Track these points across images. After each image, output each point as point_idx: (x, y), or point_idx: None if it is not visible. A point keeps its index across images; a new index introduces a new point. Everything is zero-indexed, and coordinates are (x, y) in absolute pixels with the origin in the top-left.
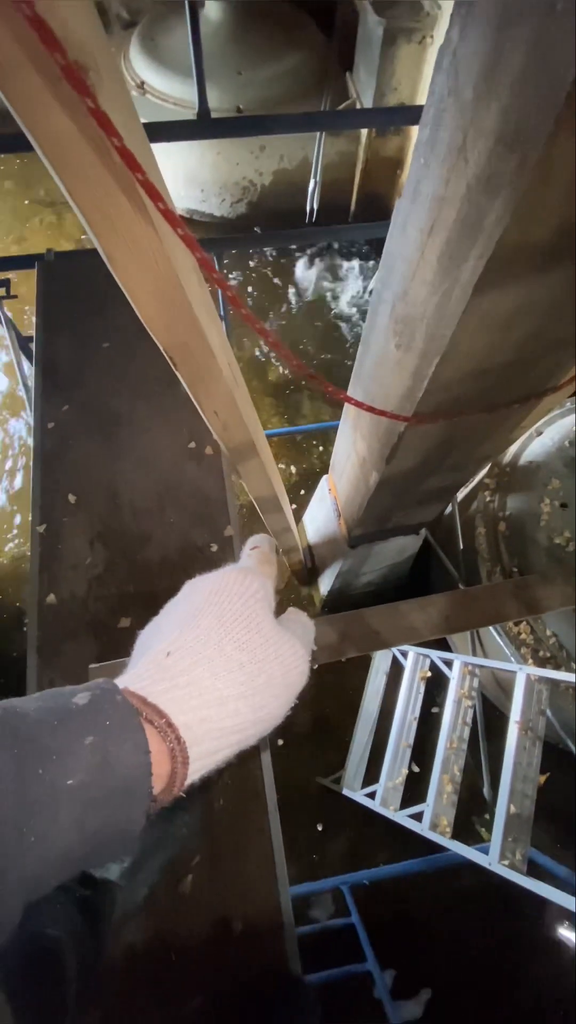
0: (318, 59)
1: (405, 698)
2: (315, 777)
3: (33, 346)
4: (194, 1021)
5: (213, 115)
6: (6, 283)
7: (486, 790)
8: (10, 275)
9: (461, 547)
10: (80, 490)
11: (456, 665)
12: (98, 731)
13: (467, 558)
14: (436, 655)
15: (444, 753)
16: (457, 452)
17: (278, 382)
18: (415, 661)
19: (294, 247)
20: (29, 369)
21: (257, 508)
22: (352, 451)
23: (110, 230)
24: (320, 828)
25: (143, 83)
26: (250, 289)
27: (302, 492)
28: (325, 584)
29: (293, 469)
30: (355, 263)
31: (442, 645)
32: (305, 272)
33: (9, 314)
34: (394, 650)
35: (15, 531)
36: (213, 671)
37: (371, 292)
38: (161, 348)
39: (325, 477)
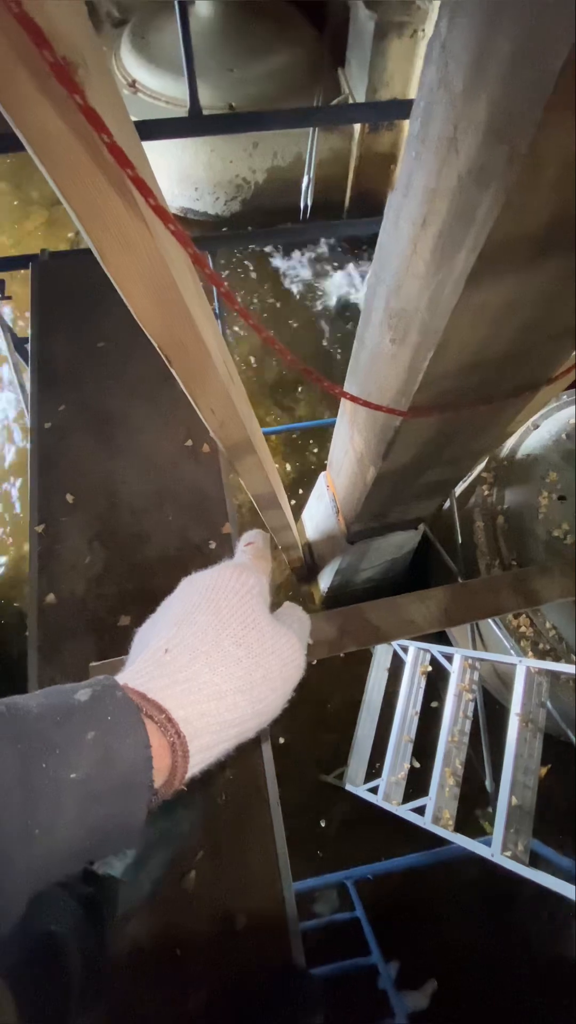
0: (310, 55)
1: (406, 693)
2: (318, 775)
3: (28, 347)
4: (199, 1015)
5: (205, 113)
6: (0, 284)
7: (488, 783)
8: (2, 276)
9: (460, 541)
10: (78, 490)
11: (456, 659)
12: (99, 726)
13: (466, 552)
14: (436, 649)
15: (446, 747)
16: (454, 446)
17: (274, 379)
18: (415, 656)
19: (285, 244)
20: (24, 371)
21: (255, 505)
22: (349, 447)
23: (102, 227)
24: (323, 824)
25: (134, 81)
26: (242, 292)
27: (300, 490)
28: (325, 581)
29: (290, 467)
30: (347, 259)
31: (442, 639)
32: (297, 269)
33: (7, 315)
34: (394, 645)
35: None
36: (211, 666)
37: (364, 288)
38: (156, 346)
39: (323, 474)
